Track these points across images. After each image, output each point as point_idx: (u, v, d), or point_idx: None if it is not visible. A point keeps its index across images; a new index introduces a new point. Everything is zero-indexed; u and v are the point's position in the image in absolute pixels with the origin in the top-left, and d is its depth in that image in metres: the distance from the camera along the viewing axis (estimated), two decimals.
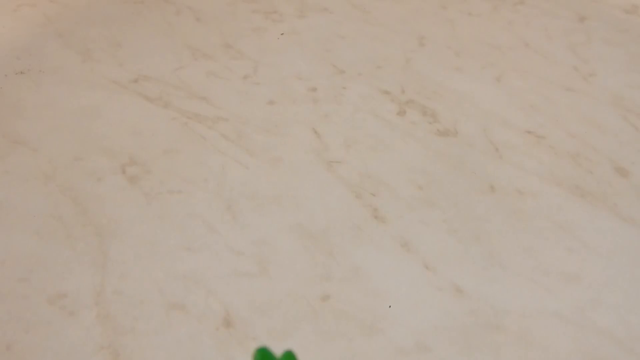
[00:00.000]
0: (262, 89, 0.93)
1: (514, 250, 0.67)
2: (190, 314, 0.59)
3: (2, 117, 0.86)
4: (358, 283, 0.63)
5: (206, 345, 0.57)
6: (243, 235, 0.68)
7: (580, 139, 0.84)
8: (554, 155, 0.81)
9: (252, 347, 0.53)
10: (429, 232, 0.69)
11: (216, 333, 0.58)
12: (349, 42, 1.06)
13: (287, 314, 0.59)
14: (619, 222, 0.71)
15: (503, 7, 1.18)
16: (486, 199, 0.74)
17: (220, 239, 0.68)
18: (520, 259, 0.66)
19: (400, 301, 0.61)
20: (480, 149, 0.82)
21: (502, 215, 0.72)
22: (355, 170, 0.78)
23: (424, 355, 0.56)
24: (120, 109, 0.88)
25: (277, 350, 0.50)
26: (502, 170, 0.78)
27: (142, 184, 0.75)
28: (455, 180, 0.77)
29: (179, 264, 0.65)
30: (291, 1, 1.18)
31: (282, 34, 1.07)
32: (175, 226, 0.69)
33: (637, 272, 0.65)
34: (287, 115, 0.87)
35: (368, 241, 0.68)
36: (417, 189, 0.75)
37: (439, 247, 0.67)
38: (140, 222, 0.70)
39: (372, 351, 0.57)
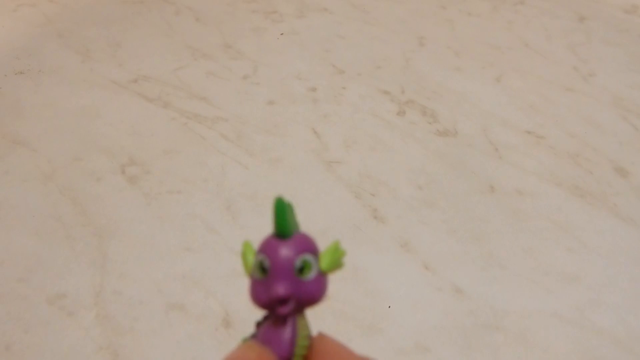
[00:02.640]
0: (262, 89, 0.93)
1: (514, 251, 0.67)
2: (189, 315, 0.59)
3: (2, 117, 0.86)
4: (357, 283, 0.63)
5: (205, 345, 0.57)
6: (242, 236, 0.68)
7: (580, 139, 0.84)
8: (554, 156, 0.81)
9: None
10: (429, 232, 0.69)
11: (215, 333, 0.58)
12: (348, 42, 1.06)
13: None
14: (618, 222, 0.71)
15: (503, 7, 1.18)
16: (486, 199, 0.74)
17: (219, 239, 0.68)
18: (520, 259, 0.66)
19: (400, 301, 0.61)
20: (480, 149, 0.82)
21: (501, 216, 0.72)
22: (355, 170, 0.78)
23: (424, 355, 0.56)
24: (119, 109, 0.88)
25: None
26: (502, 170, 0.78)
27: (141, 184, 0.75)
28: (455, 181, 0.77)
29: (179, 264, 0.65)
30: (291, 1, 1.18)
31: (281, 34, 1.07)
32: (175, 226, 0.69)
33: (637, 272, 0.65)
34: (287, 115, 0.87)
35: (367, 241, 0.68)
36: (417, 189, 0.75)
37: (439, 247, 0.67)
38: (140, 222, 0.70)
39: (372, 351, 0.57)
